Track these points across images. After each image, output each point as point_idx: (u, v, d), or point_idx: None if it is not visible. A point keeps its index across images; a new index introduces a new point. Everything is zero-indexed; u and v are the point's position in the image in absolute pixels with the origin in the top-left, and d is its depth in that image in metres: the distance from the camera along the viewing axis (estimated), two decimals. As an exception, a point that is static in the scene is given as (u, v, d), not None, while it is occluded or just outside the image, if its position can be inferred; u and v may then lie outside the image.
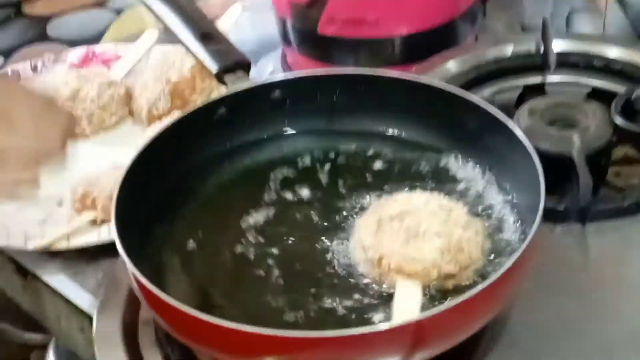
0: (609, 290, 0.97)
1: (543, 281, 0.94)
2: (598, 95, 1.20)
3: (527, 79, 1.25)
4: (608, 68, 1.22)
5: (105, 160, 1.22)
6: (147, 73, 1.32)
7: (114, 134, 1.30)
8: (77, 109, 1.28)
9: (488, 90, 1.22)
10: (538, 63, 1.24)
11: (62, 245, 1.11)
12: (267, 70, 1.45)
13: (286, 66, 1.41)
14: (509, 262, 0.81)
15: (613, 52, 1.23)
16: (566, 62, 1.24)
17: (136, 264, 0.85)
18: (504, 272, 0.80)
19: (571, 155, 1.05)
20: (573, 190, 1.04)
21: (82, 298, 1.08)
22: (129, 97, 1.32)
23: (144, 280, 0.83)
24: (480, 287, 0.79)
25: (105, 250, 1.08)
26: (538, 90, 1.24)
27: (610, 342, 0.91)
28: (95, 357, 0.94)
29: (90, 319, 1.02)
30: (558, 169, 1.05)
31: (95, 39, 1.57)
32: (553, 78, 1.24)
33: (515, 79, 1.25)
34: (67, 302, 1.10)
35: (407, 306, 0.85)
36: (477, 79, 1.22)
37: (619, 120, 1.10)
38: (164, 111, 1.27)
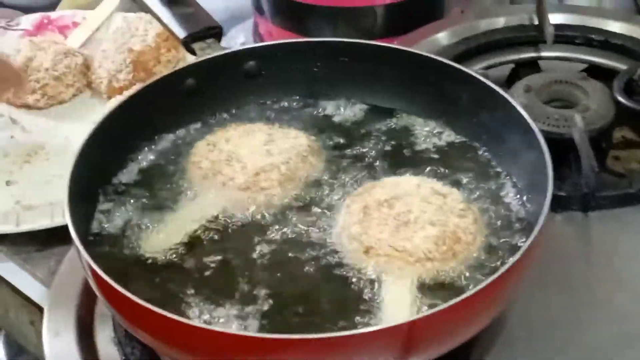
0: (613, 285, 0.89)
1: (543, 275, 0.86)
2: (595, 72, 1.12)
3: (520, 54, 1.16)
4: (607, 43, 1.14)
5: (59, 135, 1.14)
6: (108, 42, 1.24)
7: (70, 107, 1.22)
8: (30, 79, 1.19)
9: (478, 66, 1.13)
10: (532, 37, 1.16)
11: (10, 228, 1.01)
12: (238, 41, 1.37)
13: (258, 37, 1.31)
14: (513, 258, 0.72)
15: (613, 26, 1.15)
16: (562, 36, 1.15)
17: (92, 252, 0.75)
18: (507, 268, 0.72)
19: (572, 137, 0.96)
20: (573, 175, 0.96)
21: (33, 288, 0.99)
22: (87, 67, 1.24)
23: (100, 272, 0.73)
24: (481, 285, 0.70)
25: (58, 235, 0.98)
26: (531, 66, 1.15)
27: (615, 341, 0.84)
28: (44, 355, 0.84)
29: (41, 311, 0.92)
30: (557, 152, 0.97)
31: (51, 5, 1.46)
32: (548, 53, 1.16)
33: (507, 54, 1.16)
34: (16, 292, 1.01)
35: (398, 305, 0.76)
36: (465, 53, 1.14)
37: (622, 100, 1.02)
38: (125, 83, 1.19)
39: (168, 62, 1.20)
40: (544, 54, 1.16)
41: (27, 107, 1.20)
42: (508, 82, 1.13)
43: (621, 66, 1.11)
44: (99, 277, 0.73)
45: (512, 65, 1.16)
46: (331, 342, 0.68)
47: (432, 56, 0.94)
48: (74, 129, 1.15)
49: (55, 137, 1.16)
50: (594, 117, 0.99)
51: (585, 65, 1.15)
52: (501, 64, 1.15)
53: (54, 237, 1.00)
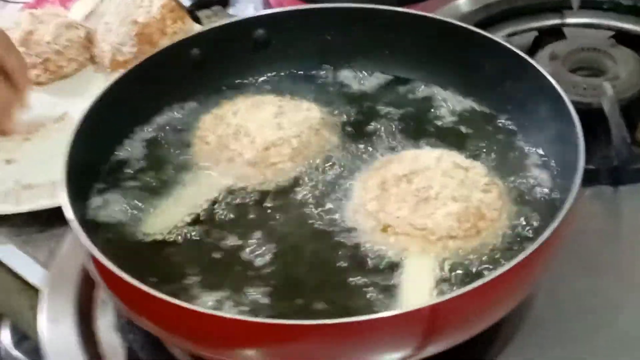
0: (647, 263, 0.83)
1: (572, 254, 0.80)
2: (623, 39, 1.06)
3: (544, 20, 1.11)
4: (636, 8, 1.08)
5: (61, 112, 1.10)
6: (111, 14, 1.18)
7: (72, 82, 1.16)
8: (30, 53, 1.14)
9: (499, 33, 1.08)
10: (556, 2, 1.11)
11: (10, 208, 0.96)
12: (247, 13, 1.31)
13: (269, 7, 1.25)
14: (542, 237, 0.67)
15: (643, -10, 1.09)
16: (588, 1, 1.10)
17: (91, 234, 0.71)
18: (536, 247, 0.66)
19: (601, 107, 0.91)
20: (601, 148, 0.91)
21: (33, 271, 0.94)
22: (90, 41, 1.18)
23: (99, 256, 0.68)
24: (507, 265, 0.65)
25: (60, 215, 0.93)
26: (555, 33, 1.10)
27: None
28: (40, 341, 0.80)
29: (42, 295, 0.88)
30: (585, 123, 0.91)
31: (53, -23, 1.41)
32: (573, 20, 1.10)
33: (530, 21, 1.11)
34: (16, 275, 0.96)
35: (419, 287, 0.71)
36: (486, 20, 1.08)
37: (654, 68, 0.96)
38: (129, 57, 1.13)
39: (174, 34, 1.14)
40: (569, 20, 1.11)
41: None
42: (531, 51, 1.08)
43: (652, 32, 1.05)
44: (98, 262, 0.68)
45: (535, 33, 1.11)
46: (346, 327, 0.63)
47: (456, 22, 0.89)
48: (76, 105, 1.08)
49: (57, 113, 1.10)
50: (624, 86, 0.95)
51: (612, 32, 1.10)
52: (524, 31, 1.10)
53: (56, 218, 0.94)
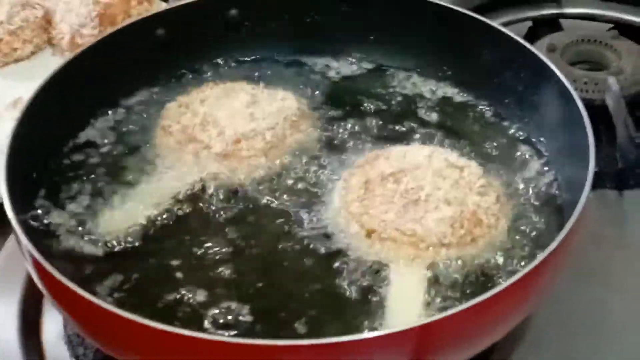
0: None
1: (573, 264, 0.73)
2: (623, 30, 1.02)
3: (540, 10, 1.06)
4: (637, -2, 1.04)
5: (15, 97, 1.03)
6: (71, -8, 1.12)
7: (27, 65, 1.10)
8: None
9: (494, 23, 1.01)
10: (552, -10, 1.06)
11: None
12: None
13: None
14: (549, 248, 0.61)
15: (645, -21, 1.05)
16: (586, -9, 1.06)
17: (36, 237, 0.64)
18: (541, 260, 0.61)
19: (604, 103, 0.88)
20: (605, 148, 0.86)
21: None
22: (48, 21, 1.12)
23: (44, 263, 0.61)
24: (508, 281, 0.60)
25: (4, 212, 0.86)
26: (552, 24, 1.05)
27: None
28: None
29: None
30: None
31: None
32: (570, 10, 1.05)
33: (525, 10, 1.06)
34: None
35: (407, 301, 0.66)
36: (480, 8, 1.01)
37: (660, 61, 0.91)
38: (89, 39, 1.05)
39: (139, 17, 1.07)
40: (567, 10, 1.06)
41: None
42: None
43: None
44: (42, 269, 0.61)
45: (529, 23, 1.06)
46: (326, 348, 0.57)
47: (453, 7, 0.84)
48: (32, 90, 1.01)
49: (10, 98, 1.03)
50: (629, 81, 0.91)
51: (611, 25, 1.05)
52: (518, 21, 1.05)
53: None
